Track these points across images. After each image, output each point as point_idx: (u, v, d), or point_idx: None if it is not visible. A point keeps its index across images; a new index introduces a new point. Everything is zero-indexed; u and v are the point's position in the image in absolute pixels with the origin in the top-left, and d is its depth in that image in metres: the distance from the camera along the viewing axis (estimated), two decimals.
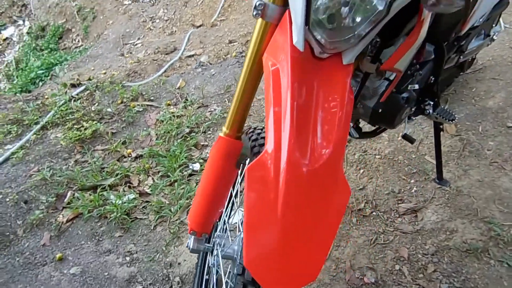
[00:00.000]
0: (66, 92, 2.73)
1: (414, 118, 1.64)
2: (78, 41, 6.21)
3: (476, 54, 1.91)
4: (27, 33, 6.68)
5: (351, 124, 1.46)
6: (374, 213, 1.73)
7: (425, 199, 1.71)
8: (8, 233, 1.92)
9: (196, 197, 1.16)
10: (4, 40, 6.83)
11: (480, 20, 1.52)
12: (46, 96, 2.91)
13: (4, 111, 2.78)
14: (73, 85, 3.65)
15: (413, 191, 1.76)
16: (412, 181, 1.80)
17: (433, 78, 1.46)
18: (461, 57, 1.66)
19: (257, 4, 0.92)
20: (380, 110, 1.32)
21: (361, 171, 1.91)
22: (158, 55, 3.70)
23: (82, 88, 2.78)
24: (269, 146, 0.86)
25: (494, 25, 1.85)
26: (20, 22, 7.04)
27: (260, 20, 0.97)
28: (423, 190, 1.75)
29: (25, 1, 7.11)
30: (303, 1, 0.82)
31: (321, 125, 0.88)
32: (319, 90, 0.90)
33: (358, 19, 0.83)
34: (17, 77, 5.55)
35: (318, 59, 0.91)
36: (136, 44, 4.89)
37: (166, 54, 3.77)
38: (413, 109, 1.55)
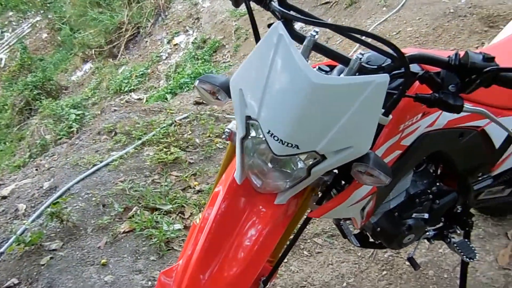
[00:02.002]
0: (169, 117, 3.16)
1: (433, 242, 1.54)
2: (228, 57, 6.87)
3: None
4: (192, 42, 7.64)
5: (353, 231, 1.45)
6: None
7: None
8: (81, 228, 2.36)
9: None
10: (175, 45, 7.93)
11: None
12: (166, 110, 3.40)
13: (126, 120, 3.35)
14: (197, 103, 4.14)
15: None
16: None
17: (460, 208, 1.39)
18: None
19: (226, 130, 1.07)
20: (378, 229, 1.31)
21: (384, 273, 1.80)
22: None
23: (185, 115, 3.17)
24: (183, 259, 0.99)
25: None
26: (190, 32, 8.07)
27: (229, 142, 1.11)
28: None
29: (199, 15, 8.13)
30: (239, 144, 0.93)
31: (235, 251, 0.96)
32: (246, 220, 0.98)
33: (286, 171, 0.91)
34: (173, 79, 6.47)
35: (256, 192, 0.99)
36: None
37: None
38: (430, 233, 1.48)
